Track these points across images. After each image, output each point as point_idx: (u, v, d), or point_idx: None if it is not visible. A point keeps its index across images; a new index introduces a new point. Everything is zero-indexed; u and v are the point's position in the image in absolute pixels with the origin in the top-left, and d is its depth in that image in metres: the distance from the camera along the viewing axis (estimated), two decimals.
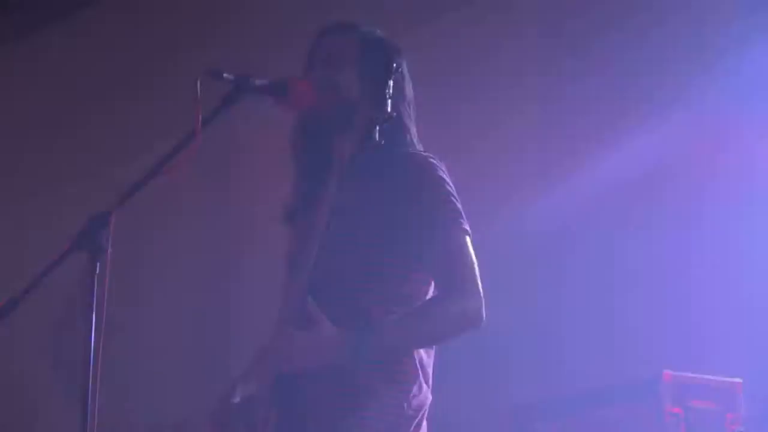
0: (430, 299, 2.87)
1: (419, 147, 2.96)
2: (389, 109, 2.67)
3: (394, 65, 2.81)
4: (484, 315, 2.83)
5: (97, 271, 2.83)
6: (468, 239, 2.87)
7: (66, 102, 8.05)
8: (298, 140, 3.03)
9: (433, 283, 2.90)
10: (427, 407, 2.88)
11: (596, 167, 5.48)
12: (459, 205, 2.88)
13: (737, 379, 3.97)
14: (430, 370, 2.92)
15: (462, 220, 2.87)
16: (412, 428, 2.84)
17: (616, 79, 5.55)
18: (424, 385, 2.88)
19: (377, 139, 2.65)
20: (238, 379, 3.04)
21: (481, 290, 2.83)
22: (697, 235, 5.28)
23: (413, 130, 2.98)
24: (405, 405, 2.83)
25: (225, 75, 2.85)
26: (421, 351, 2.89)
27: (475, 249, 2.88)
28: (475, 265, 2.85)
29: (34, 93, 8.31)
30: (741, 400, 3.96)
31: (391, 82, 2.71)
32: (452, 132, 5.90)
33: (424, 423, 2.88)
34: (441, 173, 2.88)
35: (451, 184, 2.89)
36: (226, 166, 7.26)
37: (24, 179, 8.15)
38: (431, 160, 2.89)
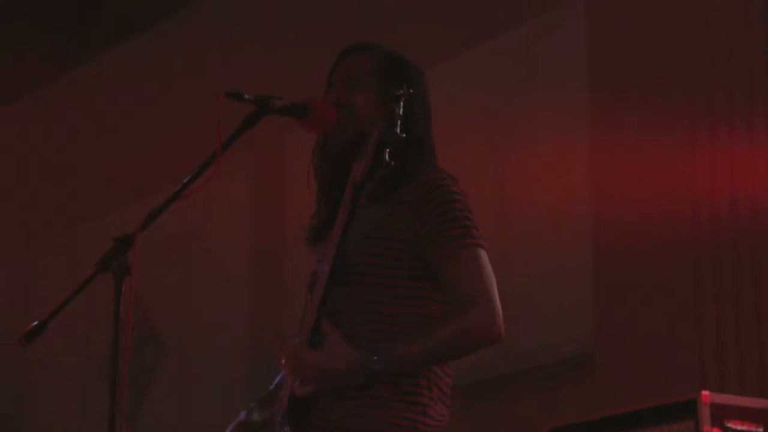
0: (445, 314, 2.86)
1: (436, 167, 2.95)
2: (399, 130, 2.66)
3: (406, 86, 2.81)
4: (502, 329, 2.81)
5: (122, 292, 2.85)
6: (483, 253, 2.85)
7: (93, 131, 8.17)
8: (319, 164, 3.04)
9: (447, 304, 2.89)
10: (444, 425, 2.87)
11: None
12: (473, 222, 2.87)
13: None
14: (447, 388, 2.90)
15: (476, 235, 2.86)
16: None
17: None
18: (440, 403, 2.87)
19: (388, 159, 2.64)
20: (256, 403, 3.04)
21: (497, 304, 2.81)
22: None
23: (431, 147, 2.98)
24: (420, 424, 2.82)
25: (246, 96, 2.87)
26: (437, 368, 2.88)
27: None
28: (493, 279, 2.84)
29: (64, 127, 8.44)
30: None
31: (402, 103, 2.69)
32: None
33: None
34: (456, 192, 2.88)
35: (465, 202, 2.89)
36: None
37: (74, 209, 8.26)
38: (446, 180, 2.89)
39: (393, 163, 2.66)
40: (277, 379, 3.08)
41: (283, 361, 2.83)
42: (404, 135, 2.67)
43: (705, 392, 3.85)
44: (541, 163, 5.91)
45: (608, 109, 5.72)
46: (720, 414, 3.85)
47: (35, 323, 2.97)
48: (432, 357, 2.81)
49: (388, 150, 2.65)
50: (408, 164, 2.88)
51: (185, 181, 2.89)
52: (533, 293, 5.80)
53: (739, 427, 3.85)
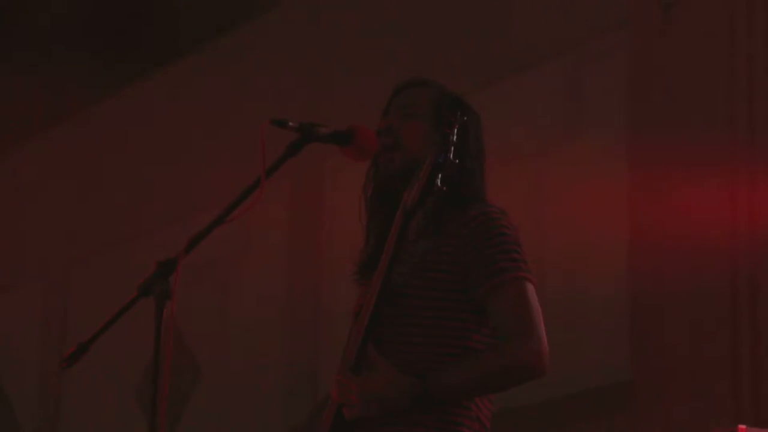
0: (491, 346, 2.86)
1: (486, 201, 2.96)
2: (451, 156, 2.67)
3: (460, 113, 2.82)
4: (547, 363, 2.81)
5: (164, 317, 2.86)
6: (531, 287, 2.86)
7: (144, 154, 8.20)
8: (369, 194, 3.04)
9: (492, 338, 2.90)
10: None
11: None
12: (523, 255, 2.87)
13: None
14: (487, 421, 2.90)
15: (525, 270, 2.86)
16: None
17: None
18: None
19: (440, 185, 2.65)
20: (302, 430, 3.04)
21: (543, 338, 2.82)
22: None
23: (482, 182, 2.99)
24: None
25: (290, 123, 2.88)
26: (478, 399, 2.88)
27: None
28: (539, 313, 2.84)
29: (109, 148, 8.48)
30: None
31: (455, 130, 2.70)
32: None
33: None
34: (505, 226, 2.89)
35: (515, 235, 2.89)
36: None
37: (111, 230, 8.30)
38: (496, 213, 2.90)
39: (445, 188, 2.67)
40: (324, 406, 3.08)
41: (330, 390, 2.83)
42: (458, 161, 2.68)
43: (742, 426, 3.83)
44: (580, 192, 5.91)
45: (648, 145, 5.72)
46: None
47: (77, 345, 2.98)
48: (477, 388, 2.82)
49: (440, 176, 2.67)
50: (459, 197, 2.90)
51: (229, 206, 2.90)
52: (573, 325, 5.81)
53: None
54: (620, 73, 5.96)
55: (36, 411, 8.75)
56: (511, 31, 6.41)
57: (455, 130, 2.73)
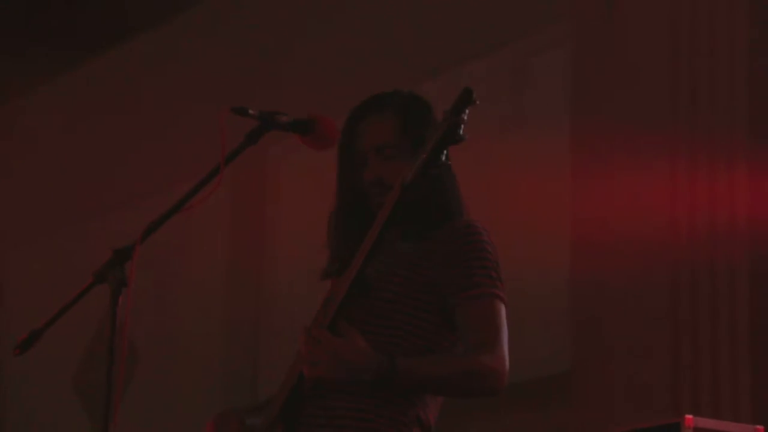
0: (459, 352, 2.88)
1: (468, 216, 2.98)
2: (462, 132, 2.67)
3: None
4: (504, 384, 2.83)
5: (119, 305, 2.85)
6: (503, 308, 2.89)
7: (92, 137, 8.12)
8: (342, 205, 3.03)
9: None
10: None
11: None
12: (499, 275, 2.90)
13: (759, 426, 3.95)
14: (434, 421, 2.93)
15: (501, 289, 2.89)
16: None
17: None
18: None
19: (445, 160, 2.66)
20: (249, 409, 3.04)
21: (506, 359, 2.84)
22: None
23: (461, 198, 3.00)
24: None
25: (250, 111, 2.87)
26: (431, 401, 2.91)
27: None
28: (505, 334, 2.86)
29: (57, 130, 8.39)
30: None
31: (467, 108, 2.69)
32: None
33: None
34: (488, 243, 2.91)
35: (495, 254, 2.91)
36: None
37: (51, 214, 8.21)
38: (480, 228, 2.92)
39: (450, 163, 2.67)
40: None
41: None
42: (466, 138, 2.69)
43: (688, 416, 3.88)
44: (522, 183, 5.94)
45: (590, 134, 5.77)
46: None
47: (30, 332, 2.96)
48: (439, 385, 2.84)
49: (446, 152, 2.67)
50: (445, 206, 2.93)
51: (186, 194, 2.89)
52: (513, 317, 5.83)
53: None
54: (563, 64, 6.00)
55: None
56: (456, 22, 6.43)
57: (466, 110, 2.70)
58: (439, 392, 2.88)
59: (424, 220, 2.92)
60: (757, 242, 5.23)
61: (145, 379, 7.55)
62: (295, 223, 6.95)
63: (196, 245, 7.45)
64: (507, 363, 2.83)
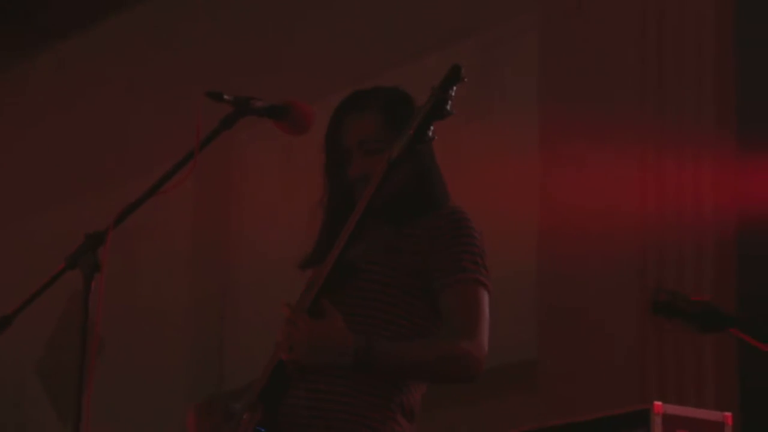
0: (437, 336, 2.88)
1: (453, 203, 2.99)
2: (450, 108, 2.67)
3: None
4: (480, 371, 2.86)
5: (91, 290, 2.84)
6: (486, 295, 2.91)
7: (65, 121, 8.07)
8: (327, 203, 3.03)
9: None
10: None
11: None
12: (485, 263, 2.92)
13: (727, 413, 3.99)
14: (417, 409, 2.94)
15: (485, 276, 2.91)
16: None
17: None
18: (404, 420, 2.90)
19: (431, 135, 2.66)
20: (227, 396, 3.04)
21: (485, 346, 2.87)
22: None
23: (445, 185, 3.01)
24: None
25: (225, 97, 2.87)
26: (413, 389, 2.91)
27: None
28: (487, 322, 2.89)
29: (27, 115, 8.33)
30: None
31: (454, 87, 2.69)
32: None
33: None
34: (475, 230, 2.93)
35: (482, 242, 2.93)
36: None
37: (23, 197, 8.16)
38: (467, 215, 2.94)
39: (435, 138, 2.68)
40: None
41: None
42: (453, 113, 2.70)
43: (657, 403, 3.91)
44: (490, 172, 5.95)
45: (558, 123, 5.79)
46: (671, 425, 3.90)
47: (0, 318, 2.95)
48: (418, 369, 2.86)
49: (432, 127, 2.68)
50: (432, 193, 2.95)
51: (161, 178, 2.89)
52: None
53: None
54: (532, 53, 6.01)
55: None
56: (426, 11, 6.43)
57: (454, 87, 2.71)
58: (418, 376, 2.90)
59: (410, 207, 2.93)
60: (722, 230, 5.27)
61: (110, 366, 7.51)
62: (261, 208, 6.95)
63: (160, 230, 7.42)
64: (485, 350, 2.85)
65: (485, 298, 2.90)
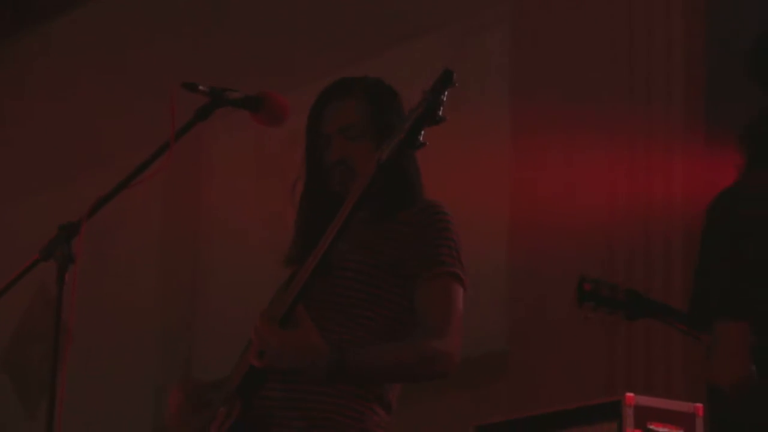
0: (412, 336, 2.88)
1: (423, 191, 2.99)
2: (442, 113, 2.67)
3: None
4: (455, 367, 2.87)
5: (65, 282, 2.83)
6: (461, 291, 2.92)
7: (36, 112, 8.01)
8: (302, 198, 3.03)
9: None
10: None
11: None
12: (461, 259, 2.93)
13: (698, 404, 4.01)
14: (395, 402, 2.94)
15: (462, 273, 2.91)
16: None
17: None
18: (382, 411, 2.91)
19: (422, 141, 2.65)
20: (210, 384, 3.03)
21: (458, 342, 2.87)
22: None
23: (418, 172, 3.00)
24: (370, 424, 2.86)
25: (200, 87, 2.86)
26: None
27: None
28: (461, 316, 2.90)
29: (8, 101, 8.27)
30: (702, 424, 4.00)
31: (446, 91, 2.68)
32: None
33: None
34: (453, 224, 2.95)
35: (459, 237, 2.95)
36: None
37: None
38: (446, 210, 2.96)
39: (427, 144, 2.68)
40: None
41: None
42: (446, 119, 2.69)
43: (629, 394, 3.93)
44: (461, 165, 5.96)
45: (529, 115, 5.80)
46: (643, 416, 3.92)
47: None
48: (391, 374, 2.87)
49: (423, 132, 2.67)
50: (410, 188, 2.96)
51: (135, 169, 2.88)
52: None
53: (660, 429, 3.93)
54: (502, 45, 6.01)
55: None
56: (396, 2, 6.43)
57: (445, 92, 2.70)
58: (392, 380, 2.90)
59: (389, 202, 2.92)
60: (692, 224, 5.29)
61: (79, 356, 7.48)
62: (231, 198, 6.93)
63: (129, 221, 7.39)
64: (458, 346, 2.86)
65: (460, 294, 2.91)
